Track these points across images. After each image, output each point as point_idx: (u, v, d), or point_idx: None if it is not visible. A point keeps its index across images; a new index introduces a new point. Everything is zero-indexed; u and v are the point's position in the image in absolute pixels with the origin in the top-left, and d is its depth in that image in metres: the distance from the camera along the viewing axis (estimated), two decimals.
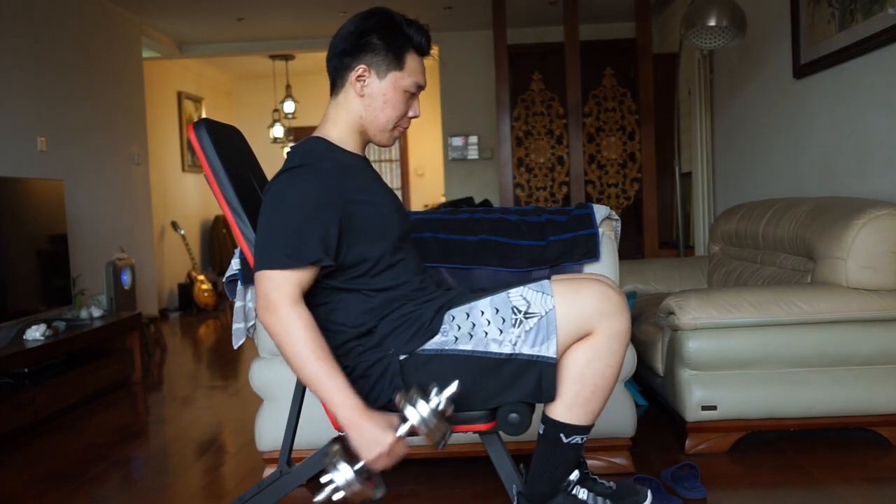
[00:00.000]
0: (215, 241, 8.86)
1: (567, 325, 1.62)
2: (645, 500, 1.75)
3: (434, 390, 1.50)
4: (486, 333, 1.64)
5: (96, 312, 4.40)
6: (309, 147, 1.70)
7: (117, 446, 3.24)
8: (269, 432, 2.51)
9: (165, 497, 2.62)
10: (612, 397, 2.33)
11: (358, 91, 1.73)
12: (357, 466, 1.49)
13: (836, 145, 3.47)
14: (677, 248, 5.06)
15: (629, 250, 5.53)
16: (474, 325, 1.65)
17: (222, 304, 8.02)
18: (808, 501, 2.33)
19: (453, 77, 7.64)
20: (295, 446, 1.87)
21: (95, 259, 5.26)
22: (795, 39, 3.77)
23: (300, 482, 1.76)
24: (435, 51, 7.81)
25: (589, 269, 2.47)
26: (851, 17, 3.24)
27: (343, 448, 1.51)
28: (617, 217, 2.59)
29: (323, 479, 1.48)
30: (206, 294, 7.75)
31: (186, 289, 7.78)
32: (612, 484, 1.76)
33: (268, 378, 2.49)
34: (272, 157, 9.26)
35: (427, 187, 10.14)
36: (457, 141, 7.65)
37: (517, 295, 1.66)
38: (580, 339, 1.64)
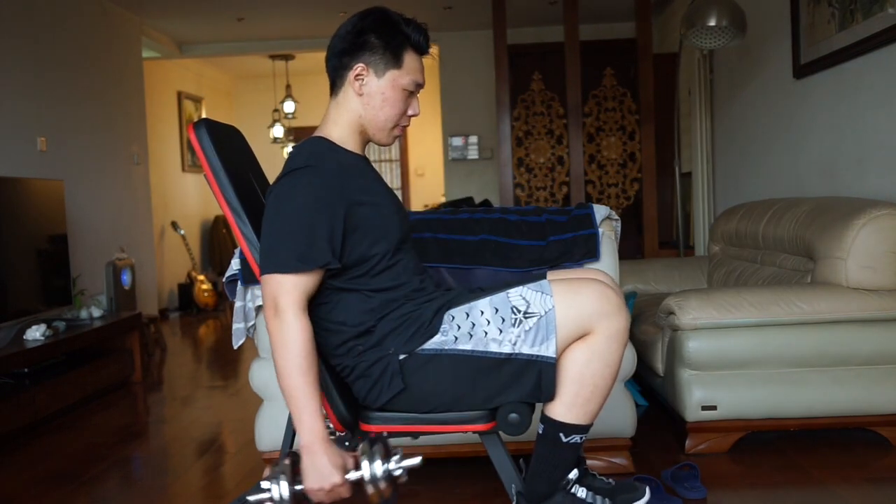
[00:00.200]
0: (215, 241, 8.86)
1: (566, 325, 1.62)
2: (643, 496, 1.75)
3: (397, 456, 1.50)
4: (486, 333, 1.64)
5: (96, 312, 4.40)
6: (311, 147, 1.70)
7: (117, 446, 3.24)
8: (269, 432, 2.51)
9: (165, 497, 2.62)
10: (612, 397, 2.33)
11: (357, 90, 1.73)
12: (296, 487, 1.50)
13: (836, 145, 3.47)
14: (677, 248, 5.06)
15: (629, 250, 5.54)
16: (474, 324, 1.65)
17: (222, 304, 8.02)
18: (808, 501, 2.33)
19: (453, 77, 7.64)
20: (295, 446, 1.86)
21: (95, 259, 5.26)
22: (795, 39, 3.77)
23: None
24: (434, 50, 7.82)
25: (589, 268, 2.46)
26: (851, 17, 3.24)
27: (293, 465, 1.52)
28: (617, 217, 2.59)
29: (262, 485, 1.49)
30: (206, 294, 7.75)
31: (186, 289, 7.78)
32: (611, 480, 1.76)
33: (268, 378, 2.49)
34: (272, 157, 9.26)
35: (427, 187, 10.14)
36: (457, 141, 7.65)
37: (516, 295, 1.66)
38: (579, 338, 1.64)
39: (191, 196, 8.53)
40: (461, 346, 1.64)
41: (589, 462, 2.46)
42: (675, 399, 2.77)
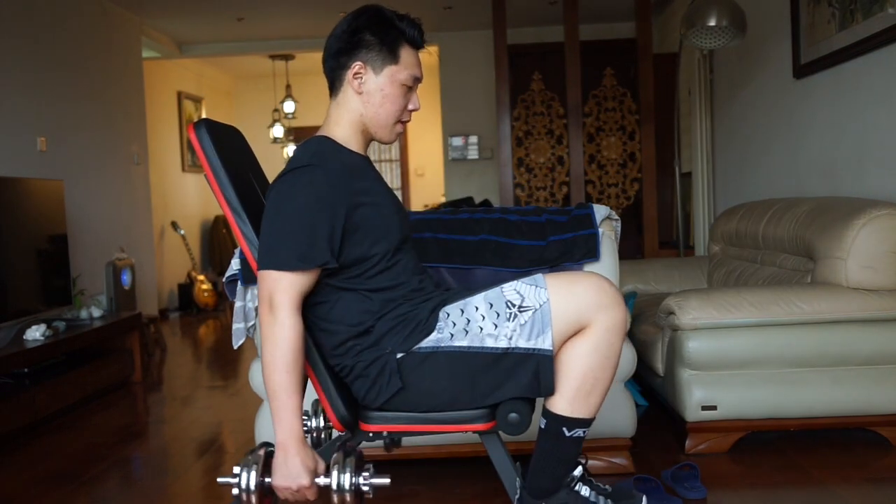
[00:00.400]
0: (215, 241, 8.86)
1: (564, 319, 1.62)
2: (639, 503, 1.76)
3: (367, 473, 1.51)
4: (482, 329, 1.64)
5: (96, 312, 4.40)
6: (317, 146, 1.70)
7: (117, 446, 3.24)
8: (268, 432, 2.51)
9: (165, 497, 2.62)
10: (613, 397, 2.33)
11: (356, 88, 1.73)
12: (264, 479, 1.52)
13: (836, 145, 3.47)
14: (677, 248, 5.06)
15: (629, 250, 5.53)
16: (469, 320, 1.65)
17: (222, 304, 8.02)
18: (808, 501, 2.33)
19: (453, 77, 7.64)
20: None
21: (95, 259, 5.26)
22: (795, 39, 3.77)
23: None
24: (434, 49, 7.82)
25: (589, 269, 2.47)
26: (851, 16, 3.24)
27: (266, 457, 1.54)
28: (617, 217, 2.59)
29: (234, 470, 1.51)
30: (206, 294, 7.75)
31: (186, 289, 7.78)
32: (607, 487, 1.77)
33: None
34: (272, 157, 9.27)
35: (427, 187, 10.14)
36: (457, 141, 7.65)
37: (511, 289, 1.66)
38: (577, 332, 1.64)
39: (191, 196, 8.53)
40: (457, 343, 1.64)
41: (589, 462, 2.46)
42: (675, 399, 2.77)
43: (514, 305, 1.64)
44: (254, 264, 1.70)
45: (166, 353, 5.46)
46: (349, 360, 1.68)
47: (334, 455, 1.54)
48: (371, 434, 1.72)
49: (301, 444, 1.52)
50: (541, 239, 2.48)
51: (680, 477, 2.39)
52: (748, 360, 2.66)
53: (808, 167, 3.76)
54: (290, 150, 9.49)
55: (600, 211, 2.53)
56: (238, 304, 2.41)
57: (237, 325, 2.42)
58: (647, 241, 5.39)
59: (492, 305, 1.65)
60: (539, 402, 1.73)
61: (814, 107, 3.67)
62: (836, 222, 2.74)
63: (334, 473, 1.50)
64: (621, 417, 2.49)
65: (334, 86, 1.77)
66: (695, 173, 5.28)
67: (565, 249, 2.46)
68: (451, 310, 1.68)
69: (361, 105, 1.74)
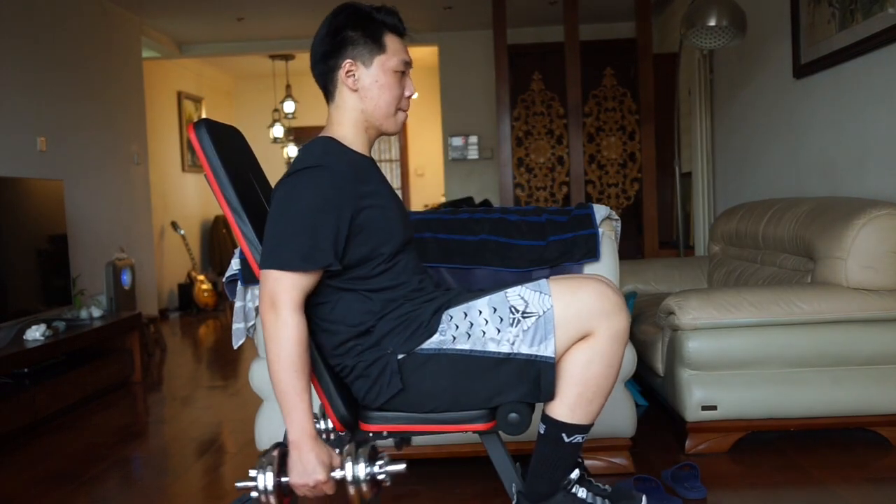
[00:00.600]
0: (215, 241, 8.86)
1: (567, 326, 1.62)
2: None
3: (382, 461, 1.53)
4: (484, 333, 1.64)
5: (96, 312, 4.40)
6: (323, 147, 1.70)
7: (117, 446, 3.24)
8: (268, 432, 2.51)
9: (165, 497, 2.62)
10: (613, 397, 2.33)
11: (351, 86, 1.73)
12: (282, 479, 1.53)
13: (835, 145, 3.47)
14: (677, 248, 5.06)
15: (629, 250, 5.53)
16: (472, 324, 1.65)
17: (222, 304, 8.02)
18: (808, 501, 2.33)
19: (453, 77, 7.63)
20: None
21: (95, 259, 5.25)
22: (795, 39, 3.77)
23: None
24: (434, 49, 7.82)
25: (589, 269, 2.47)
26: (851, 16, 3.24)
27: (280, 457, 1.55)
28: (617, 217, 2.59)
29: (250, 473, 1.52)
30: (205, 294, 7.75)
31: (186, 289, 7.78)
32: (606, 487, 1.77)
33: (268, 378, 2.48)
34: (272, 157, 9.27)
35: (427, 187, 10.14)
36: (457, 141, 7.65)
37: (515, 294, 1.66)
38: (580, 339, 1.64)
39: (191, 196, 8.53)
40: (459, 346, 1.64)
41: (589, 462, 2.46)
42: (675, 399, 2.77)
43: (517, 311, 1.64)
44: (254, 264, 1.70)
45: (166, 353, 5.46)
46: (350, 360, 1.68)
47: (346, 447, 1.55)
48: (371, 434, 1.72)
49: (314, 440, 1.53)
50: (541, 239, 2.48)
51: (680, 477, 2.39)
52: (748, 360, 2.66)
53: (808, 167, 3.76)
54: (290, 150, 9.48)
55: (600, 211, 2.53)
56: (238, 304, 2.41)
57: (237, 325, 2.42)
58: (647, 241, 5.39)
59: (495, 310, 1.65)
60: (539, 404, 1.73)
61: (814, 107, 3.67)
62: (836, 222, 2.74)
63: (348, 465, 1.51)
64: (621, 417, 2.49)
65: (328, 90, 1.77)
66: (695, 173, 5.28)
67: (565, 249, 2.46)
68: (454, 312, 1.67)
69: (360, 101, 1.74)
